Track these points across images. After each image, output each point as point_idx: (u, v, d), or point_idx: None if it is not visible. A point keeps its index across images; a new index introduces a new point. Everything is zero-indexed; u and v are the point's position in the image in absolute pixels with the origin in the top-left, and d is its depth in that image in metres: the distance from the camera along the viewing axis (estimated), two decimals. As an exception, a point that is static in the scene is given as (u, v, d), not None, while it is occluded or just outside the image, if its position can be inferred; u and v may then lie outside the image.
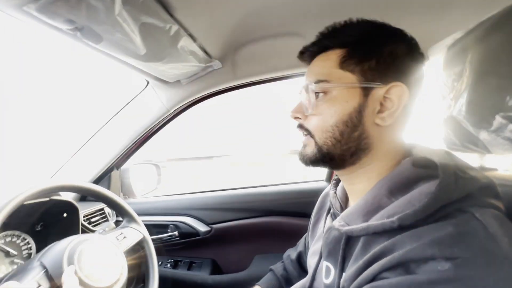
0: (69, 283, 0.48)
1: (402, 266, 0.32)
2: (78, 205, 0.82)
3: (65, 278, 0.48)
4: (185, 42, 0.65)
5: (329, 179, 1.14)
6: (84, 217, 0.93)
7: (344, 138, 0.41)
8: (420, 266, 0.31)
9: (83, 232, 0.88)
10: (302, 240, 0.74)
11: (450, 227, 0.32)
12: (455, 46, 0.55)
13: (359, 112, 0.41)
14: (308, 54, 0.47)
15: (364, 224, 0.38)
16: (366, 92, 0.41)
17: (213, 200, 1.14)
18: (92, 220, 0.97)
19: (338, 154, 0.42)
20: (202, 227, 1.08)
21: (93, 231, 0.92)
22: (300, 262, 0.71)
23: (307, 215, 0.65)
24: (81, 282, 0.50)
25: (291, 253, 0.74)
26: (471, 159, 0.51)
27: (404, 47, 0.42)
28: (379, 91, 0.41)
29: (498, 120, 0.42)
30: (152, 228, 1.08)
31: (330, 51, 0.44)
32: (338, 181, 0.56)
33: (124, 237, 0.70)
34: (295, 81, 0.94)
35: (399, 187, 0.38)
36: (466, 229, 0.31)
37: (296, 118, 0.46)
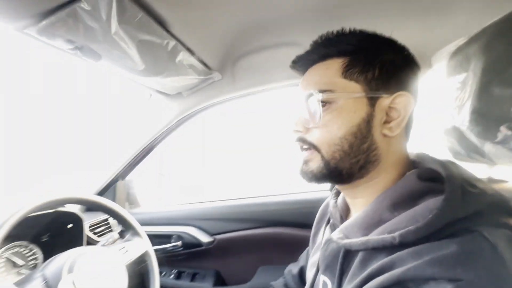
0: None
1: (401, 285, 0.30)
2: (83, 215, 0.84)
3: (61, 287, 0.49)
4: (183, 56, 0.66)
5: (333, 188, 1.11)
6: (89, 227, 0.95)
7: (353, 150, 0.39)
8: (420, 285, 0.29)
9: (88, 242, 0.90)
10: (304, 253, 0.72)
11: (453, 245, 0.29)
12: (458, 53, 0.53)
13: (368, 122, 0.39)
14: (303, 63, 0.45)
15: (364, 238, 0.36)
16: (372, 102, 0.40)
17: (217, 210, 1.13)
18: (97, 230, 0.99)
19: (346, 168, 0.40)
20: (205, 238, 1.08)
21: (97, 242, 0.94)
22: (302, 277, 0.69)
23: (311, 226, 0.63)
24: None
25: (293, 268, 0.72)
26: (479, 170, 0.49)
27: (401, 56, 0.42)
28: (384, 101, 0.40)
29: (503, 131, 0.40)
30: (156, 238, 1.08)
31: (330, 60, 0.42)
32: (339, 191, 0.54)
33: (126, 251, 0.71)
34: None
35: (402, 201, 0.36)
36: (471, 248, 0.29)
37: (296, 131, 0.44)
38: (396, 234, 0.33)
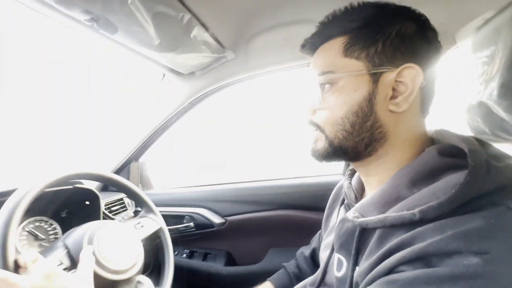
0: (86, 260, 0.50)
1: (422, 259, 0.29)
2: (100, 194, 0.86)
3: (82, 256, 0.50)
4: (197, 31, 0.65)
5: (345, 171, 1.10)
6: (105, 205, 0.98)
7: (356, 129, 0.39)
8: (443, 260, 0.28)
9: (104, 219, 0.92)
10: (316, 236, 0.72)
11: (479, 219, 0.29)
12: (486, 27, 0.51)
13: (370, 100, 0.38)
14: (310, 46, 0.45)
15: (381, 216, 0.35)
16: (375, 78, 0.38)
17: (228, 192, 1.14)
18: (113, 209, 1.02)
19: (351, 147, 0.40)
20: (217, 219, 1.09)
21: (113, 219, 0.97)
22: (314, 259, 0.69)
23: (323, 209, 0.63)
24: (98, 262, 0.53)
25: (305, 250, 0.72)
26: (504, 149, 0.47)
27: (412, 25, 0.39)
28: (389, 75, 0.38)
29: None
30: (169, 218, 1.10)
31: (332, 40, 0.41)
32: (353, 171, 0.54)
33: (142, 226, 0.72)
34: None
35: (422, 177, 0.35)
36: (497, 221, 0.28)
37: (306, 114, 0.45)
38: (416, 210, 0.31)
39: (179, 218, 1.12)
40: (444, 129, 0.42)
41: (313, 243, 0.72)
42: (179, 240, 1.12)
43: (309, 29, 0.75)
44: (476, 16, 0.70)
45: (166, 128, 1.11)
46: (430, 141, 0.41)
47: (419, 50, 0.38)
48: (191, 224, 1.10)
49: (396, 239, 0.32)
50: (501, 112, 0.43)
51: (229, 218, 1.10)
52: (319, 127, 0.42)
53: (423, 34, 0.39)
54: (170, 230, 0.81)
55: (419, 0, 0.66)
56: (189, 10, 0.59)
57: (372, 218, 0.37)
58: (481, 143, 0.37)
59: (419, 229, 0.31)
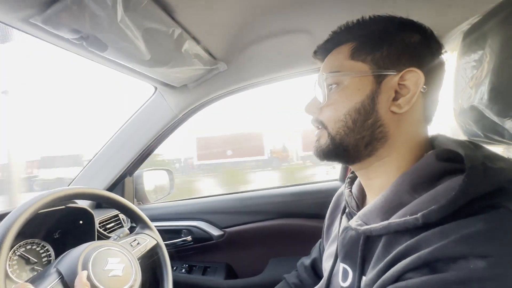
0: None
1: (429, 265, 0.29)
2: (94, 212, 0.83)
3: (77, 283, 0.48)
4: (189, 45, 0.65)
5: (343, 178, 1.11)
6: (99, 223, 0.95)
7: (357, 126, 0.40)
8: (449, 265, 0.28)
9: (99, 238, 0.90)
10: (317, 245, 0.71)
11: (480, 222, 0.29)
12: (473, 31, 0.51)
13: (372, 98, 0.40)
14: (321, 51, 0.47)
15: (385, 223, 0.35)
16: (379, 79, 0.40)
17: (226, 203, 1.13)
18: (108, 226, 0.99)
19: (352, 144, 0.41)
20: (215, 231, 1.07)
21: (108, 237, 0.94)
22: (315, 269, 0.68)
23: (322, 217, 0.63)
24: (94, 287, 0.51)
25: (305, 260, 0.71)
26: (498, 152, 0.47)
27: (417, 35, 0.41)
28: (393, 78, 0.40)
29: None
30: (166, 233, 1.08)
31: (343, 45, 0.44)
32: (353, 179, 0.54)
33: (138, 243, 0.70)
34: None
35: (422, 182, 0.36)
36: (499, 224, 0.29)
37: (311, 113, 0.46)
38: (419, 215, 0.32)
39: (176, 233, 1.10)
40: (440, 135, 0.43)
41: (314, 253, 0.71)
42: (177, 255, 1.10)
43: (303, 39, 0.77)
44: (462, 21, 0.72)
45: (161, 141, 1.09)
46: (430, 147, 0.42)
47: (423, 58, 0.40)
48: (189, 237, 1.08)
49: (401, 246, 0.33)
50: (492, 116, 0.44)
51: (227, 229, 1.08)
52: (323, 124, 0.44)
53: (427, 44, 0.41)
54: (167, 245, 0.79)
55: (406, 6, 0.69)
56: (179, 24, 0.59)
57: (376, 225, 0.37)
58: (476, 146, 0.38)
59: (423, 234, 0.31)
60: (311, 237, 0.76)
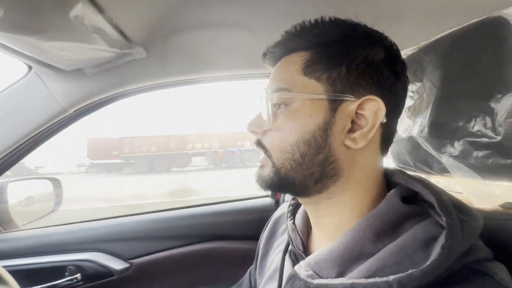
0: None
1: None
2: None
3: None
4: (84, 10, 0.43)
5: (274, 195, 1.05)
6: None
7: (306, 161, 0.35)
8: None
9: None
10: (246, 277, 0.62)
11: None
12: (409, 62, 0.52)
13: (325, 130, 0.35)
14: (270, 56, 0.41)
15: (346, 282, 0.31)
16: (334, 105, 0.35)
17: (133, 227, 0.92)
18: None
19: (299, 180, 0.36)
20: (117, 265, 0.85)
21: None
22: None
23: (254, 238, 0.57)
24: None
25: None
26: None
27: (381, 52, 0.36)
28: (350, 105, 0.35)
29: (464, 145, 0.40)
30: (42, 273, 0.79)
31: (296, 53, 0.37)
32: (295, 206, 0.47)
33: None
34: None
35: (386, 229, 0.33)
36: None
37: (254, 132, 0.40)
38: (391, 279, 0.28)
39: (57, 271, 0.81)
40: (391, 168, 0.40)
41: (243, 285, 0.61)
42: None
43: (244, 36, 0.67)
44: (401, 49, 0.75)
45: (39, 142, 0.78)
46: (386, 183, 0.39)
47: (385, 82, 0.35)
48: (77, 276, 0.81)
49: None
50: (431, 149, 0.44)
51: (135, 261, 0.88)
52: (266, 151, 0.38)
53: (391, 64, 0.36)
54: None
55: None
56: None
57: (334, 282, 0.32)
58: (437, 188, 0.34)
59: None
60: (243, 260, 0.71)
